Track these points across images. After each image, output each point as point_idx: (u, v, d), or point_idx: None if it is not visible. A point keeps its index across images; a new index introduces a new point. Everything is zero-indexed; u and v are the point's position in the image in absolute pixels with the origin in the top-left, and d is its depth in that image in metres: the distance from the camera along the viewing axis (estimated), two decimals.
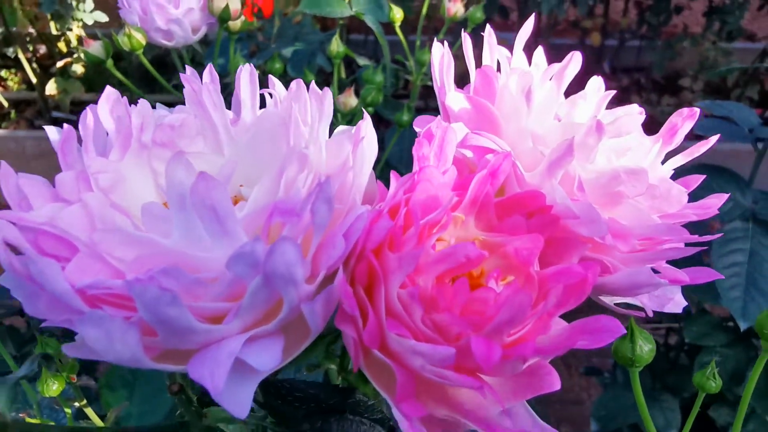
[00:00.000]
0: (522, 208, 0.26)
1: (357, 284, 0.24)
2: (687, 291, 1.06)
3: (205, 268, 0.21)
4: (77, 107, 2.44)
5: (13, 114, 2.59)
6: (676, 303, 0.33)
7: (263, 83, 0.27)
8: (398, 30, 0.92)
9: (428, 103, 1.81)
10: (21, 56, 2.44)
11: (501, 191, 0.28)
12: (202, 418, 0.31)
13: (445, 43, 0.31)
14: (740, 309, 0.98)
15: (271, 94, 0.27)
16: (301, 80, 0.26)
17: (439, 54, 0.31)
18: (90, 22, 2.22)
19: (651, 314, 0.31)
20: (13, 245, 0.22)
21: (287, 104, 0.26)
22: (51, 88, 2.44)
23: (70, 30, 2.35)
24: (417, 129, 0.29)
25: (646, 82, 2.40)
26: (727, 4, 2.30)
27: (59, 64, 2.44)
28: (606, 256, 0.27)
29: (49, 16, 2.34)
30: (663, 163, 0.32)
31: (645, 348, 0.35)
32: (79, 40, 2.41)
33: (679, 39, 2.50)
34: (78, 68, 2.42)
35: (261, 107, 0.28)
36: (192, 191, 0.19)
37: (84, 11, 2.24)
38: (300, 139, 0.25)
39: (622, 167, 0.27)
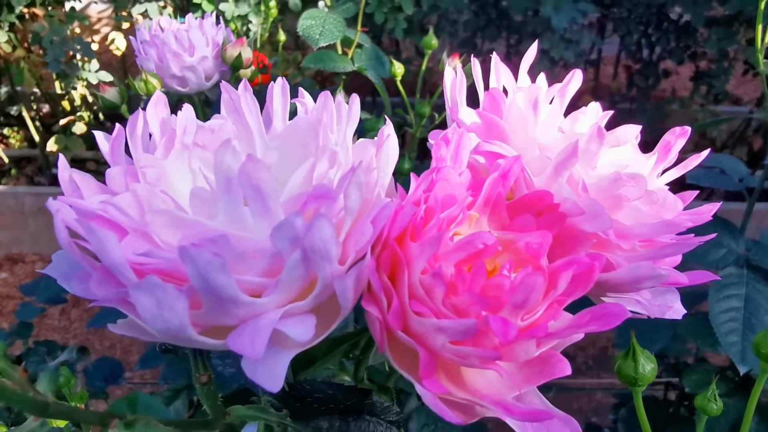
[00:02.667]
0: (531, 207, 0.29)
1: (381, 271, 0.26)
2: (686, 338, 1.07)
3: (247, 246, 0.23)
4: (78, 164, 2.48)
5: (13, 171, 2.64)
6: (676, 311, 0.35)
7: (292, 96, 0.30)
8: (399, 84, 0.96)
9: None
10: (25, 114, 2.50)
11: (511, 195, 0.30)
12: (225, 416, 0.32)
13: (458, 66, 0.33)
14: (739, 353, 0.99)
15: (301, 104, 0.29)
16: (329, 92, 0.29)
17: (451, 76, 0.34)
18: (95, 82, 2.29)
19: (652, 316, 0.33)
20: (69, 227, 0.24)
21: (316, 112, 0.28)
22: (52, 145, 2.49)
23: (75, 89, 2.42)
24: (431, 141, 0.31)
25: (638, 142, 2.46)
26: (713, 69, 2.38)
27: (62, 122, 2.49)
28: (610, 254, 0.29)
29: (54, 76, 2.41)
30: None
31: (647, 367, 0.36)
32: (83, 98, 2.47)
33: (668, 102, 2.58)
34: (80, 126, 2.48)
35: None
36: (240, 170, 0.22)
37: (89, 71, 2.31)
38: (329, 142, 0.27)
39: (624, 173, 0.29)
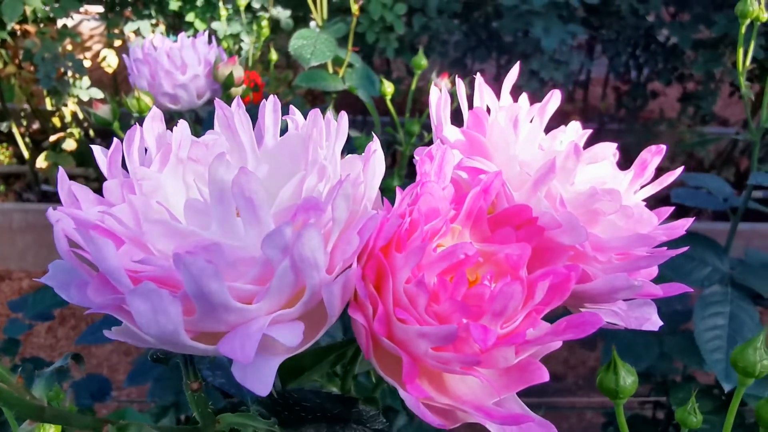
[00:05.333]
0: (511, 221, 0.30)
1: (367, 281, 0.27)
2: (673, 356, 1.07)
3: (239, 255, 0.24)
4: None
5: (2, 187, 2.63)
6: (653, 323, 0.36)
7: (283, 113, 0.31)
8: (389, 103, 0.98)
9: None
10: (15, 131, 2.50)
11: (492, 210, 0.31)
12: (215, 423, 0.33)
13: (443, 85, 0.35)
14: (723, 371, 1.00)
15: (291, 120, 0.31)
16: (318, 109, 0.30)
17: (436, 96, 0.35)
18: (86, 98, 2.30)
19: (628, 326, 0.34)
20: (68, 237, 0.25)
21: (306, 129, 0.30)
22: (42, 161, 2.48)
23: (65, 106, 2.43)
24: (416, 157, 0.33)
25: (626, 162, 2.50)
26: (700, 90, 2.42)
27: (52, 138, 2.49)
28: (587, 266, 0.30)
29: (45, 92, 2.42)
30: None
31: (628, 380, 0.37)
32: (74, 115, 2.48)
33: (656, 122, 2.62)
34: (70, 143, 2.48)
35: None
36: (234, 182, 0.23)
37: (81, 87, 2.32)
38: (318, 156, 0.28)
39: (599, 188, 0.30)
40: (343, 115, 0.29)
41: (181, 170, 0.29)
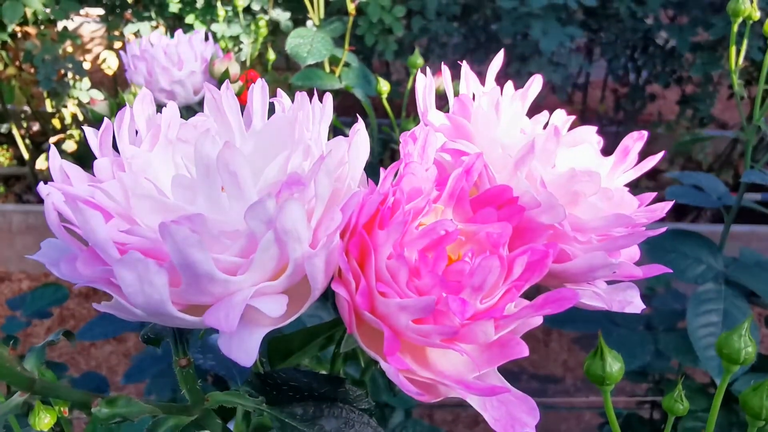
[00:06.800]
0: (493, 201, 0.31)
1: (351, 257, 0.28)
2: (668, 354, 1.08)
3: (223, 227, 0.25)
4: None
5: (2, 188, 2.64)
6: (636, 305, 0.37)
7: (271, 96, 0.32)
8: (385, 102, 0.98)
9: None
10: (15, 132, 2.51)
11: (476, 191, 0.32)
12: (204, 401, 0.34)
13: (428, 71, 0.36)
14: (717, 368, 1.01)
15: (278, 103, 0.31)
16: (305, 92, 0.31)
17: (422, 82, 0.36)
18: (86, 100, 2.31)
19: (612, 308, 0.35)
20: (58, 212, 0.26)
21: (293, 111, 0.30)
22: (42, 163, 2.49)
23: (65, 107, 2.44)
24: (401, 141, 0.33)
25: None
26: (699, 93, 2.43)
27: (52, 140, 2.50)
28: (567, 245, 0.31)
29: (45, 94, 2.43)
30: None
31: (614, 366, 0.38)
32: (74, 116, 2.49)
33: (654, 125, 2.63)
34: (70, 145, 2.49)
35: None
36: (218, 157, 0.24)
37: (81, 89, 2.33)
38: (304, 137, 0.29)
39: (579, 169, 0.31)
40: (328, 96, 0.30)
41: (170, 150, 0.30)
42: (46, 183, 0.26)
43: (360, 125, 0.29)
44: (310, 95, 0.30)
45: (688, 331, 1.01)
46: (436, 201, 0.30)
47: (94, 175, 0.29)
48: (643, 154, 0.37)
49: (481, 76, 0.37)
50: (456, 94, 0.37)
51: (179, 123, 0.30)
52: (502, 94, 0.37)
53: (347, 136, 0.30)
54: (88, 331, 1.12)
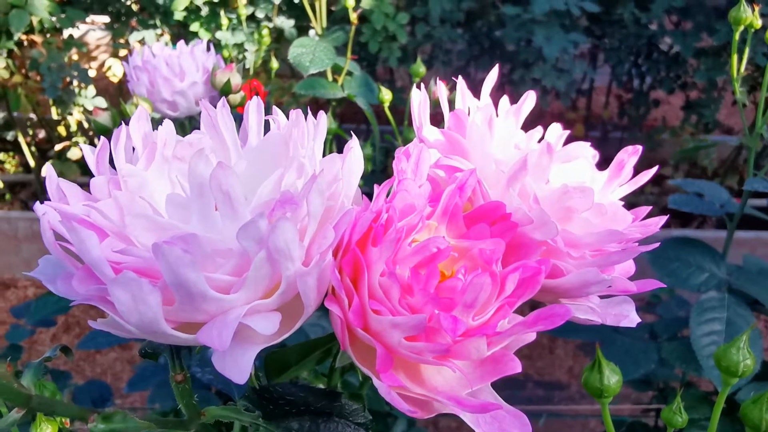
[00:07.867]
0: (486, 217, 0.31)
1: (344, 274, 0.28)
2: (672, 362, 1.07)
3: (217, 246, 0.25)
4: None
5: (8, 196, 2.66)
6: (631, 320, 0.37)
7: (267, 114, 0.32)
8: (387, 111, 0.99)
9: None
10: (21, 140, 2.52)
11: (469, 207, 0.32)
12: (200, 416, 0.34)
13: (422, 87, 0.36)
14: (719, 377, 1.00)
15: (274, 121, 0.32)
16: (300, 110, 0.31)
17: (417, 98, 0.36)
18: (91, 108, 2.32)
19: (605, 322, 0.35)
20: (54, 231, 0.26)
21: (288, 129, 0.31)
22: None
23: (71, 115, 2.45)
24: (396, 156, 0.34)
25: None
26: (703, 99, 2.43)
27: (57, 147, 2.52)
28: (560, 261, 0.31)
29: (51, 102, 2.45)
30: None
31: (612, 379, 0.38)
32: (79, 124, 2.51)
33: (659, 131, 2.62)
34: (75, 152, 2.50)
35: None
36: (212, 177, 0.24)
37: (86, 97, 2.35)
38: (298, 154, 0.29)
39: (571, 185, 0.31)
40: (322, 114, 0.31)
41: (166, 168, 0.30)
42: (42, 202, 0.26)
43: (354, 143, 0.30)
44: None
45: (690, 340, 1.00)
46: (430, 217, 0.31)
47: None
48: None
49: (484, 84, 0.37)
50: (453, 107, 0.37)
51: (175, 140, 0.30)
52: (497, 108, 0.38)
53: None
54: (92, 338, 1.13)
